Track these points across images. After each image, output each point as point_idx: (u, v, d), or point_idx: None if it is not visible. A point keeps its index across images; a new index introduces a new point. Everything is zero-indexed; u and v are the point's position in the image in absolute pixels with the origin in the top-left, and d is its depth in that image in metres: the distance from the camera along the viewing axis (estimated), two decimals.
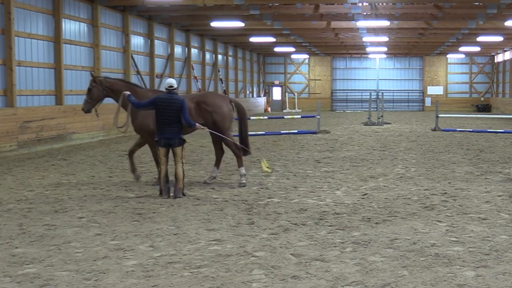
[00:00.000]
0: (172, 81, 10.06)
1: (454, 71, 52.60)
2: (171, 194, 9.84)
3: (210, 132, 10.90)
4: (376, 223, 8.00)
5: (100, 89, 11.04)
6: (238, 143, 11.29)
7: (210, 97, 11.29)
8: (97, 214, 8.57)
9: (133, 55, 26.21)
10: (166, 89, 9.93)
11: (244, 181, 11.07)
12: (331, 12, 26.65)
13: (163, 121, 9.75)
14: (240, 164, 11.17)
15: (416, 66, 52.83)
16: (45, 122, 18.65)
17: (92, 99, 11.11)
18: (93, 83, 11.07)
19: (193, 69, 34.09)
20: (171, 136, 9.79)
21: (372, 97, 41.25)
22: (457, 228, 7.69)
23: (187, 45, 33.51)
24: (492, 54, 50.01)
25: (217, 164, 11.56)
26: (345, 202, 9.52)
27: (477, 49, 43.06)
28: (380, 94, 39.36)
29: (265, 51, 48.50)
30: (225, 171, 13.10)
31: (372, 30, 32.87)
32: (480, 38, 34.54)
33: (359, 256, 6.39)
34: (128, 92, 10.40)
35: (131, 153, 11.34)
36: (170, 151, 9.94)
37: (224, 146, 11.56)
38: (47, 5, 19.66)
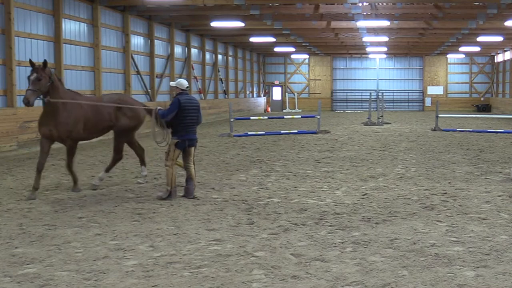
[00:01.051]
0: (186, 82, 10.08)
1: (454, 71, 52.59)
2: (180, 195, 9.88)
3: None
4: (376, 223, 8.00)
5: (47, 81, 9.90)
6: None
7: (130, 102, 11.16)
8: (97, 214, 8.57)
9: (133, 55, 26.22)
10: (183, 90, 9.88)
11: (97, 184, 10.88)
12: (331, 12, 26.65)
13: (188, 122, 9.73)
14: (107, 169, 11.22)
15: (416, 66, 52.82)
16: None
17: (40, 90, 9.82)
18: (43, 73, 9.82)
19: (193, 69, 34.09)
20: (193, 136, 9.89)
21: (372, 97, 41.25)
22: (457, 228, 7.69)
23: (187, 45, 33.51)
24: (492, 54, 50.01)
25: (143, 162, 11.63)
26: (345, 202, 9.52)
27: (477, 49, 43.05)
28: (380, 94, 39.36)
29: (265, 51, 48.51)
30: (225, 171, 13.11)
31: (372, 30, 32.88)
32: (480, 38, 34.53)
33: (359, 256, 6.39)
34: (159, 107, 10.10)
35: (70, 167, 10.49)
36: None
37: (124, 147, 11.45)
38: (47, 5, 19.66)
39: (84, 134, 10.51)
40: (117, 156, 11.11)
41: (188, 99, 9.80)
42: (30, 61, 9.98)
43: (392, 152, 17.20)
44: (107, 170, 11.13)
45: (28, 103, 9.71)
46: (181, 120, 9.69)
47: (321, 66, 53.18)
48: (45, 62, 9.96)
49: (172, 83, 10.09)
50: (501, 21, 27.44)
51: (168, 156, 9.74)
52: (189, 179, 9.88)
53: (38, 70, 9.81)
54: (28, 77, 9.83)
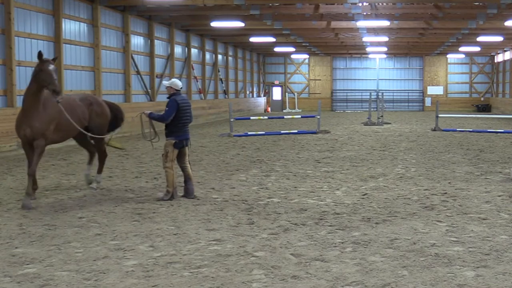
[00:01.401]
0: (180, 82, 10.07)
1: (454, 71, 52.59)
2: (180, 195, 9.88)
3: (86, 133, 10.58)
4: (376, 223, 8.00)
5: None
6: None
7: (98, 99, 10.92)
8: (97, 214, 8.57)
9: (133, 55, 26.21)
10: (177, 90, 9.87)
11: (95, 187, 10.77)
12: (331, 12, 26.65)
13: (184, 122, 9.76)
14: (100, 170, 10.99)
15: (416, 66, 52.82)
16: None
17: None
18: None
19: (193, 69, 34.09)
20: (188, 136, 9.93)
21: (372, 97, 41.25)
22: (457, 228, 7.69)
23: (187, 45, 33.51)
24: (492, 54, 50.00)
25: (90, 162, 11.18)
26: (345, 202, 9.52)
27: (477, 49, 43.05)
28: (380, 94, 39.37)
29: (265, 51, 48.50)
30: (225, 171, 13.11)
31: (372, 30, 32.87)
32: (480, 38, 34.53)
33: (359, 256, 6.39)
34: (148, 112, 9.92)
35: (34, 173, 9.56)
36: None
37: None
38: (47, 5, 19.66)
39: (57, 136, 9.93)
40: (102, 155, 11.02)
41: (183, 99, 9.82)
42: (40, 53, 9.44)
43: (392, 152, 17.20)
44: (99, 171, 11.00)
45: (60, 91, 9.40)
46: (178, 120, 9.69)
47: (321, 66, 53.18)
48: (55, 59, 9.91)
49: (166, 83, 9.96)
50: (501, 21, 27.43)
51: (167, 158, 9.68)
52: (187, 179, 9.88)
53: (54, 60, 9.59)
54: (50, 69, 9.26)
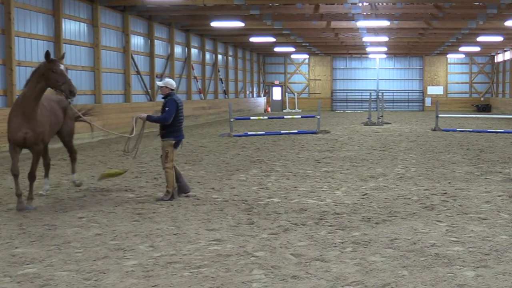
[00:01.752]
0: (174, 82, 10.07)
1: (454, 71, 52.59)
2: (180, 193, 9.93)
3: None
4: (376, 223, 8.00)
5: None
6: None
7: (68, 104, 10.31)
8: (97, 214, 8.57)
9: (133, 55, 26.21)
10: (172, 90, 9.86)
11: (78, 182, 10.77)
12: (331, 12, 26.66)
13: (181, 121, 9.81)
14: (74, 170, 10.87)
15: (416, 66, 52.82)
16: None
17: None
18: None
19: (193, 69, 34.09)
20: (184, 136, 9.98)
21: (372, 97, 41.26)
22: (457, 228, 7.69)
23: (187, 45, 33.51)
24: (492, 54, 50.00)
25: (48, 174, 10.61)
26: (345, 202, 9.52)
27: (477, 49, 43.05)
28: (380, 94, 39.37)
29: (265, 51, 48.50)
30: (225, 171, 13.10)
31: (372, 30, 32.88)
32: (480, 38, 34.54)
33: (359, 256, 6.39)
34: (144, 115, 9.74)
35: (17, 175, 9.27)
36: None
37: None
38: (47, 5, 19.66)
39: (47, 138, 9.59)
40: (74, 154, 10.87)
41: (179, 99, 9.84)
42: (47, 52, 9.26)
43: (392, 152, 17.20)
44: (73, 171, 10.84)
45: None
46: (176, 120, 9.69)
47: (321, 66, 53.18)
48: (63, 55, 9.88)
49: (160, 83, 9.84)
50: (501, 21, 27.43)
51: (167, 158, 9.64)
52: (178, 175, 9.87)
53: (61, 62, 9.31)
54: (62, 69, 9.14)
